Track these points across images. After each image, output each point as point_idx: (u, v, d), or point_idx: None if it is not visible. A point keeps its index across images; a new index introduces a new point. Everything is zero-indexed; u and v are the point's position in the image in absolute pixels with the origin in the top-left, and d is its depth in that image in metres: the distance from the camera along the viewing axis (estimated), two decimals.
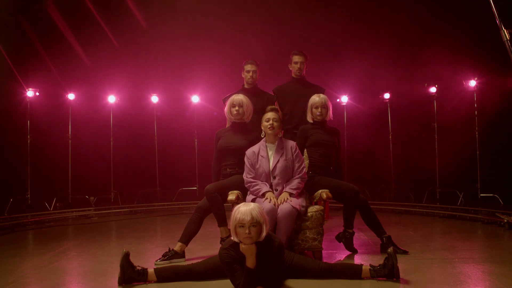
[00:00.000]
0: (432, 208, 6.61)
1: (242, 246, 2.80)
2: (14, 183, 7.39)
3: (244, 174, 3.74)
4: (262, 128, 3.78)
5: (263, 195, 3.57)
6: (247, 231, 2.76)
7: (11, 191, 7.13)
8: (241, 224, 2.78)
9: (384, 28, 7.84)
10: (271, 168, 3.67)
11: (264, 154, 3.71)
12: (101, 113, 8.28)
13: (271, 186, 3.66)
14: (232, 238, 2.86)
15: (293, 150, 3.73)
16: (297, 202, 3.53)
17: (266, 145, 3.77)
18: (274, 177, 3.66)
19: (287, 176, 3.68)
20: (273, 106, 3.90)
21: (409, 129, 8.05)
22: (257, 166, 3.68)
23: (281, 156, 3.69)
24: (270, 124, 3.71)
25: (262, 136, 3.82)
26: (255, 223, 2.78)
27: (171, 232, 5.29)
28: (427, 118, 7.71)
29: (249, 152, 3.76)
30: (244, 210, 2.79)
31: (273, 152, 3.72)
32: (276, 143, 3.76)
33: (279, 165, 3.66)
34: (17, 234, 5.49)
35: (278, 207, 3.47)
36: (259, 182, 3.66)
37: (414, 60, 7.77)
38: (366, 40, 7.93)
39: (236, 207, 2.87)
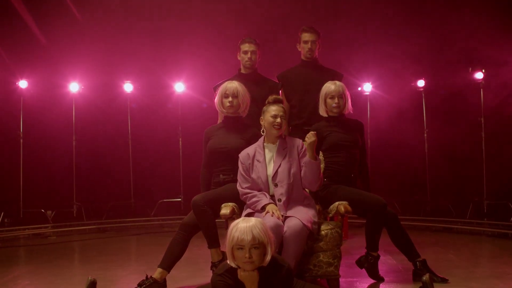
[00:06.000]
0: (478, 225, 6.63)
1: (241, 273, 2.79)
2: None
3: (237, 183, 3.72)
4: (264, 124, 3.73)
5: (263, 208, 3.53)
6: (247, 254, 2.74)
7: None
8: (239, 246, 2.76)
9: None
10: (270, 174, 3.64)
11: (261, 158, 3.67)
12: (61, 105, 8.26)
13: (272, 197, 3.62)
14: (228, 262, 2.85)
15: (300, 148, 3.69)
16: (307, 218, 3.51)
17: (264, 146, 3.74)
18: (276, 185, 3.62)
19: (292, 181, 3.61)
20: (276, 96, 3.87)
21: (449, 125, 8.04)
22: (252, 174, 3.66)
23: (283, 158, 3.65)
24: (277, 122, 3.65)
25: (262, 133, 3.77)
26: (258, 244, 2.76)
27: (149, 255, 5.28)
28: (472, 111, 7.70)
29: (242, 154, 3.73)
30: (243, 227, 2.77)
31: (273, 155, 3.69)
32: (277, 143, 3.72)
33: (280, 169, 3.62)
34: None
35: (283, 221, 3.44)
36: (257, 193, 3.63)
37: (455, 40, 7.76)
38: (394, 15, 7.91)
39: (233, 224, 2.84)
